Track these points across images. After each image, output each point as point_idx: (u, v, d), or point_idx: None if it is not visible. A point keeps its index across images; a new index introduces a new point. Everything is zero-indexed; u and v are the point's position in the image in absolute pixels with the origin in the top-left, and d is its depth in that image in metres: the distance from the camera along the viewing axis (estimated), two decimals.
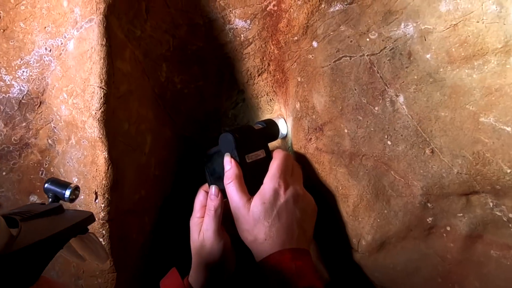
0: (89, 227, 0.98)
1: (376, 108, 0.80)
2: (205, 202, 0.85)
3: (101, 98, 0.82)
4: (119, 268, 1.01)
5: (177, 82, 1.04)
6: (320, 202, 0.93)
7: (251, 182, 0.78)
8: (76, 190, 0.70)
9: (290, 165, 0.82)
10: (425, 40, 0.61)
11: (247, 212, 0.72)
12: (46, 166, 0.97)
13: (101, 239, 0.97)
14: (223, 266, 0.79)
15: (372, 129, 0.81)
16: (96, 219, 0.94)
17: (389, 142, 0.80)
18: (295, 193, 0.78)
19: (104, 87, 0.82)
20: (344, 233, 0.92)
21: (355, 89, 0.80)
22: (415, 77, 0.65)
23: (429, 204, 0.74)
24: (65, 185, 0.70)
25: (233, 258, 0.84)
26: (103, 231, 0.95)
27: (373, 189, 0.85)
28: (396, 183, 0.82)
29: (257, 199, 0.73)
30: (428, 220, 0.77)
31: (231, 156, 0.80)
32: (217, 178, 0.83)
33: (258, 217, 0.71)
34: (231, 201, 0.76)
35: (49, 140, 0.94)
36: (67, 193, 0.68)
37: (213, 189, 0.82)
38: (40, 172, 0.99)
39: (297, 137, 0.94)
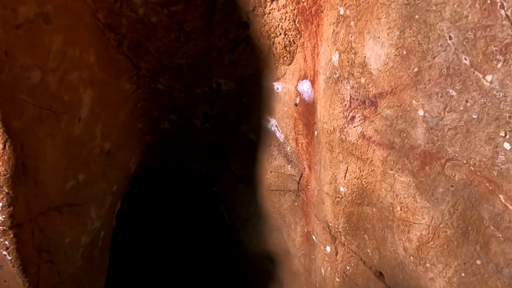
0: None
1: (489, 78, 0.47)
2: None
3: None
4: None
5: (139, 5, 0.72)
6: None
7: None
8: None
9: None
10: None
11: None
12: None
13: (4, 253, 0.67)
14: None
15: (475, 116, 0.49)
16: None
17: (507, 145, 0.48)
18: None
19: None
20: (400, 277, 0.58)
21: (451, 37, 0.48)
22: None
23: None
24: None
25: None
26: (6, 242, 0.69)
27: (459, 220, 0.55)
28: (507, 218, 0.51)
29: None
30: None
31: None
32: None
33: None
34: None
35: None
36: None
37: None
38: None
39: (328, 111, 0.68)
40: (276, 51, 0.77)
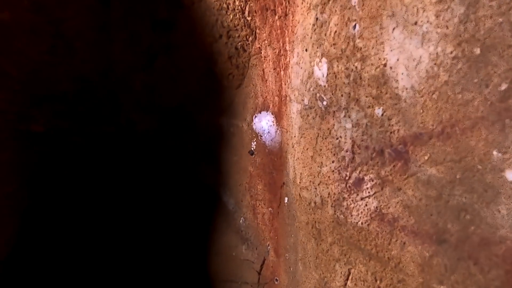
0: None
1: None
2: None
3: None
4: None
5: None
6: None
7: None
8: None
9: None
10: None
11: None
12: None
13: None
14: None
15: None
16: None
17: None
18: None
19: None
20: None
21: None
22: None
23: None
24: None
25: None
26: None
27: None
28: None
29: None
30: None
31: None
32: None
33: None
34: None
35: None
36: None
37: None
38: None
39: (311, 167, 0.39)
40: (215, 66, 0.49)
